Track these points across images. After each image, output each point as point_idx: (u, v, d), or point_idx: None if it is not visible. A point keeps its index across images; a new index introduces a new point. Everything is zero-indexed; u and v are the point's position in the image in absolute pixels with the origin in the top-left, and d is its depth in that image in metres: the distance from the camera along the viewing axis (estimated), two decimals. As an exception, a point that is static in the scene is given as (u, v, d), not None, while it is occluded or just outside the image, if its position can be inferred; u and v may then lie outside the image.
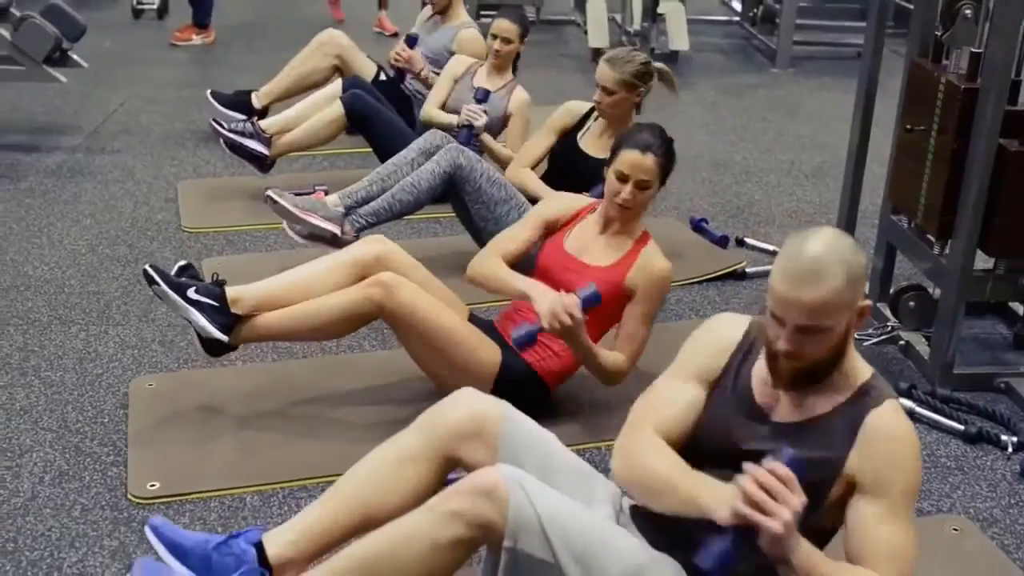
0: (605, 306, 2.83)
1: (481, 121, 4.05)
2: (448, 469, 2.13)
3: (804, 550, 1.76)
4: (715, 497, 1.76)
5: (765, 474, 1.70)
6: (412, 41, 4.66)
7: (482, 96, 4.10)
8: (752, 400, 1.95)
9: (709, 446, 1.95)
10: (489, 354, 2.83)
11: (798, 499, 1.70)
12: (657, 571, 1.92)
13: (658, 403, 2.02)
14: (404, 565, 1.89)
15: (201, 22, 7.06)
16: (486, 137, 4.15)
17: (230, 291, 2.82)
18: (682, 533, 1.91)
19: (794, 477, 1.70)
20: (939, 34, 3.27)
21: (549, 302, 2.67)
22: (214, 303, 2.78)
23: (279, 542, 2.08)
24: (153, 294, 2.83)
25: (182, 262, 2.92)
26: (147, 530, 2.14)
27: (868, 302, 1.85)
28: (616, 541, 1.92)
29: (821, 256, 1.77)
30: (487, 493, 1.86)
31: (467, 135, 4.00)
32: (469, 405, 2.14)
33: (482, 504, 1.86)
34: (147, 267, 2.79)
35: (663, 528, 1.97)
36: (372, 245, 2.96)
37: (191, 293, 2.78)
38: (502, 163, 4.10)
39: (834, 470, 1.85)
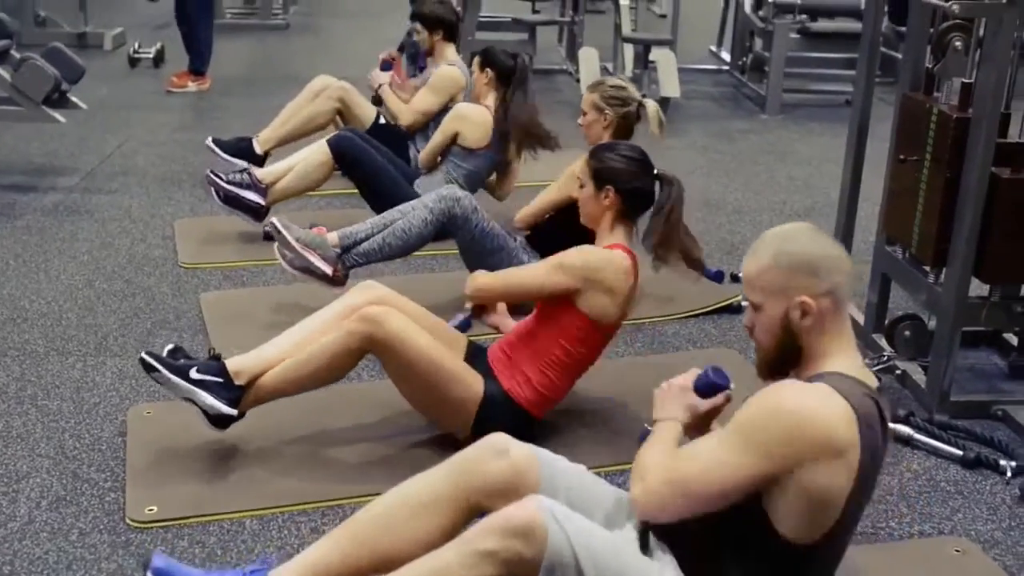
0: (558, 302, 2.88)
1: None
2: (473, 516, 2.06)
3: (665, 424, 2.02)
4: None
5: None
6: (386, 66, 4.85)
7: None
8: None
9: None
10: (473, 386, 2.83)
11: (679, 380, 2.09)
12: None
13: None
14: None
15: (197, 69, 7.12)
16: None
17: (231, 363, 2.78)
18: (706, 540, 1.94)
19: (695, 370, 2.11)
20: (930, 66, 3.33)
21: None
22: (219, 379, 2.75)
23: None
24: (154, 381, 2.78)
25: (170, 345, 2.85)
26: (148, 574, 2.09)
27: (808, 299, 1.87)
28: (648, 570, 1.92)
29: (766, 236, 1.96)
30: (524, 532, 1.82)
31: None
32: (506, 459, 2.07)
33: (518, 544, 1.82)
34: (143, 355, 2.73)
35: (687, 538, 1.98)
36: (364, 293, 2.94)
37: (194, 374, 2.74)
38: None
39: None
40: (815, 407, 1.80)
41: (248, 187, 4.41)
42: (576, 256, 2.88)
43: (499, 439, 2.12)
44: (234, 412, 2.76)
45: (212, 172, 4.45)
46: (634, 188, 2.92)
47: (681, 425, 2.03)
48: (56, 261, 4.22)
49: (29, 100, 4.91)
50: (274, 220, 3.64)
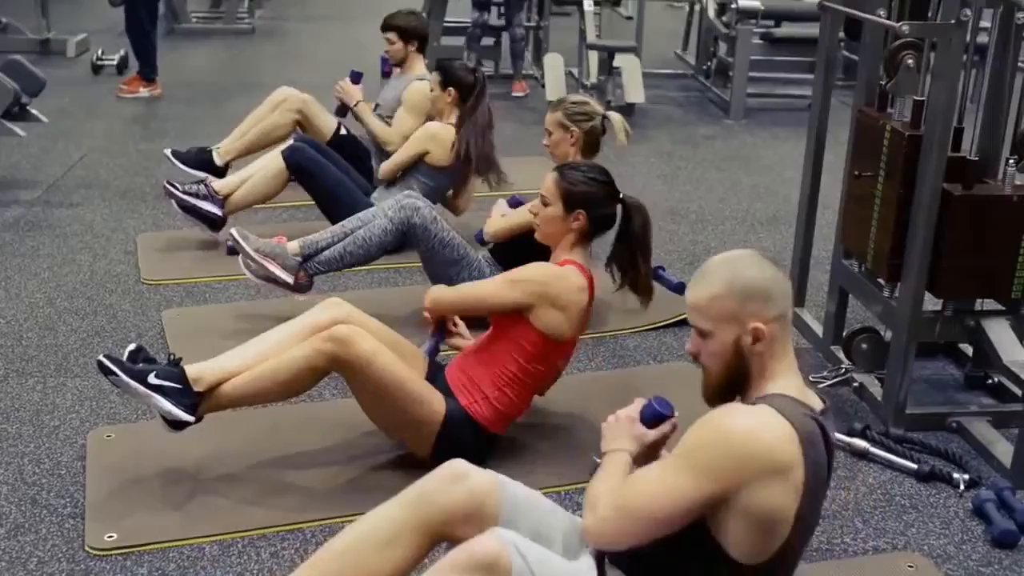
0: (509, 326, 2.91)
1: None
2: (436, 545, 2.08)
3: (615, 456, 2.04)
4: None
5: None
6: (356, 76, 4.78)
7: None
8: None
9: None
10: (436, 406, 2.85)
11: (625, 412, 2.11)
12: None
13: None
14: None
15: (148, 76, 7.11)
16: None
17: (190, 370, 2.78)
18: (657, 564, 1.96)
19: (640, 401, 2.13)
20: (883, 83, 3.37)
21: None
22: (177, 385, 2.74)
23: None
24: (111, 384, 2.78)
25: (132, 346, 2.84)
26: None
27: (760, 325, 1.89)
28: None
29: (712, 264, 1.98)
30: (488, 568, 1.84)
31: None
32: (465, 484, 2.08)
33: None
34: (101, 358, 2.73)
35: (639, 561, 2.00)
36: (330, 310, 2.96)
37: (152, 379, 2.73)
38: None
39: None
40: (757, 428, 1.83)
41: (205, 198, 4.42)
42: (529, 272, 2.91)
43: (458, 465, 2.13)
44: (191, 419, 2.76)
45: (169, 183, 4.47)
46: (604, 214, 2.95)
47: (630, 455, 2.05)
48: (17, 278, 4.20)
49: (-11, 114, 4.88)
50: (233, 232, 3.65)
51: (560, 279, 2.88)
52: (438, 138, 4.38)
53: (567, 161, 3.67)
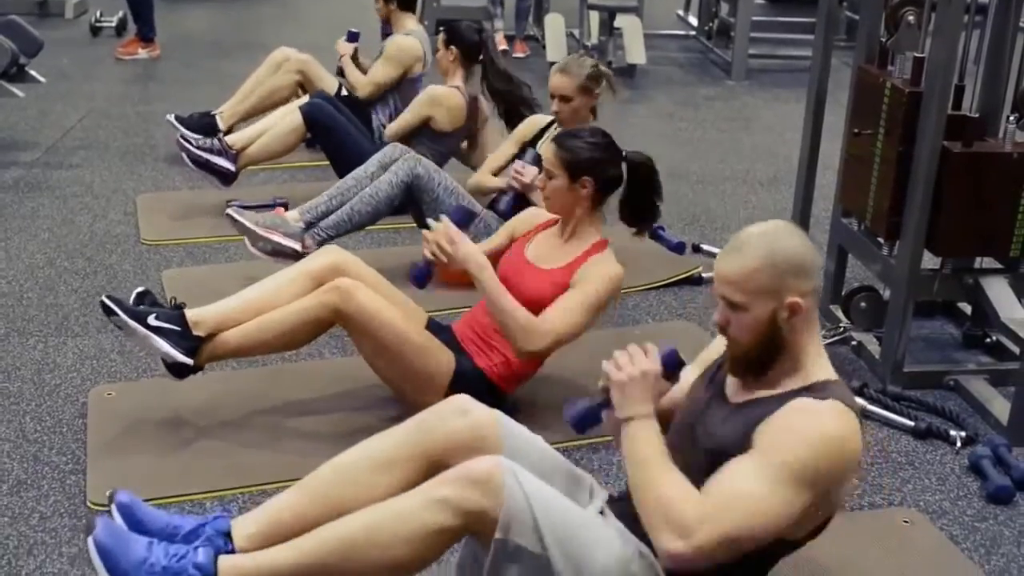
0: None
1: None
2: (433, 474, 2.04)
3: (643, 422, 1.90)
4: None
5: (633, 346, 1.96)
6: (353, 36, 4.81)
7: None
8: (721, 390, 2.03)
9: (678, 423, 2.07)
10: (444, 360, 2.86)
11: (650, 365, 1.93)
12: (642, 563, 1.94)
13: None
14: (383, 545, 1.87)
15: (146, 36, 7.07)
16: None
17: (190, 314, 2.80)
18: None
19: (654, 350, 1.96)
20: (884, 40, 3.35)
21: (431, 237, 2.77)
22: (176, 328, 2.77)
23: (247, 532, 2.04)
24: (112, 324, 2.82)
25: (139, 289, 2.88)
26: (113, 508, 2.07)
27: (798, 299, 1.85)
28: (603, 535, 1.94)
29: (749, 236, 1.90)
30: (482, 483, 1.85)
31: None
32: (468, 417, 2.09)
33: (476, 494, 1.85)
34: (104, 298, 2.76)
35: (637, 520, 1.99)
36: (327, 255, 2.98)
37: (151, 320, 2.76)
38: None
39: (744, 437, 1.85)
40: (847, 433, 1.82)
41: (219, 153, 4.42)
42: (606, 291, 2.84)
43: (462, 399, 2.14)
44: (190, 361, 2.78)
45: (183, 137, 4.45)
46: (610, 176, 2.92)
47: (656, 421, 1.95)
48: (17, 239, 4.20)
49: (-14, 75, 4.86)
50: (230, 211, 3.64)
51: (622, 278, 2.89)
52: (442, 103, 4.36)
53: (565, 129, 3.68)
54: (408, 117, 4.44)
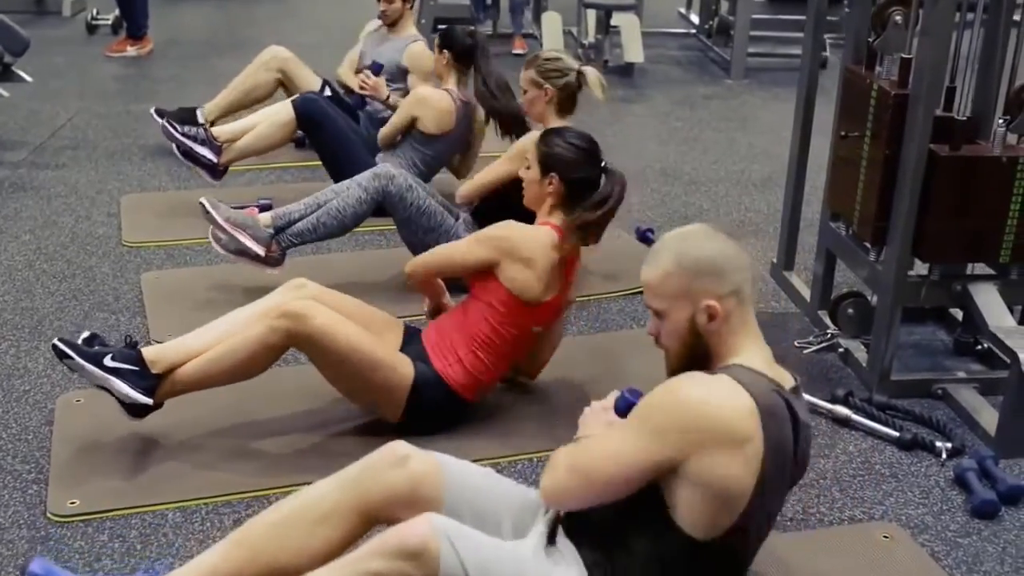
0: (480, 286, 2.88)
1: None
2: (372, 527, 2.02)
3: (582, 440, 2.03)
4: None
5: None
6: (377, 68, 4.62)
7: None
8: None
9: None
10: (402, 373, 2.80)
11: (606, 402, 2.11)
12: None
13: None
14: None
15: (135, 33, 7.03)
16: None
17: (147, 352, 2.73)
18: (608, 533, 1.93)
19: (614, 395, 2.09)
20: (871, 40, 3.27)
21: None
22: (133, 368, 2.69)
23: None
24: (67, 368, 2.73)
25: (86, 333, 2.78)
26: None
27: (713, 302, 1.86)
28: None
29: (663, 240, 1.94)
30: (415, 554, 1.78)
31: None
32: (406, 469, 2.01)
33: (409, 567, 1.78)
34: (56, 341, 2.67)
35: (590, 530, 1.97)
36: (296, 291, 2.89)
37: (107, 361, 2.68)
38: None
39: None
40: (711, 396, 1.81)
41: (203, 143, 4.36)
42: (495, 229, 2.89)
43: (399, 447, 2.06)
44: (149, 401, 2.70)
45: (168, 122, 4.38)
46: (578, 179, 2.88)
47: None
48: (-3, 241, 4.16)
49: (-29, 75, 4.82)
50: (203, 200, 3.58)
51: (526, 235, 2.86)
52: (428, 105, 4.27)
53: (548, 122, 3.62)
54: (396, 119, 4.35)
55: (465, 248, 2.92)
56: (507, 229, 2.87)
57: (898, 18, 3.10)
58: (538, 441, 2.88)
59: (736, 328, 1.89)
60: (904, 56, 3.08)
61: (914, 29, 3.10)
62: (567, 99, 3.63)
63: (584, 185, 2.87)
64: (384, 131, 4.36)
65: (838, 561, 2.48)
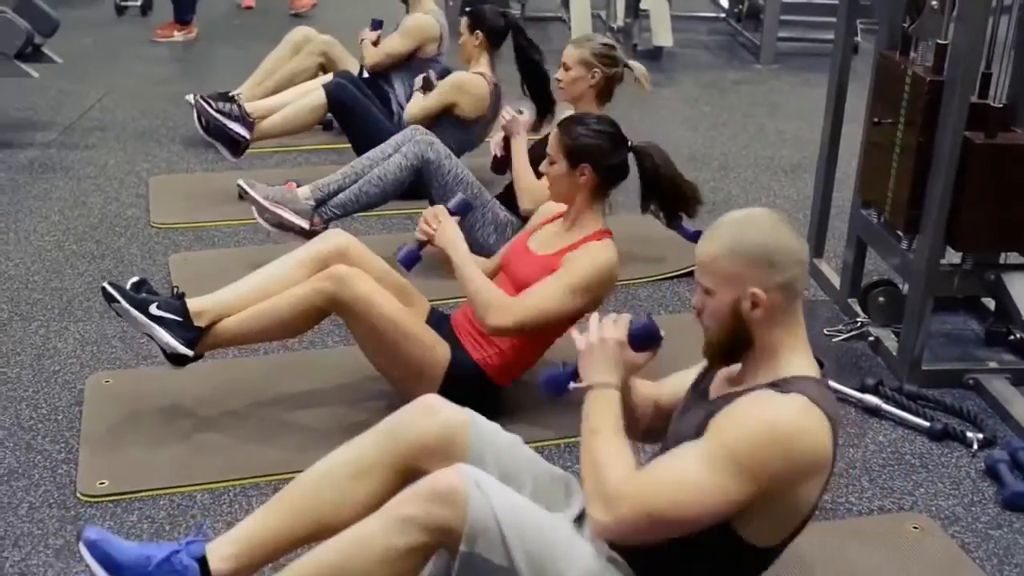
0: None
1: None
2: (408, 479, 2.01)
3: (602, 391, 1.89)
4: None
5: (606, 317, 1.96)
6: (377, 24, 4.70)
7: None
8: (706, 391, 1.97)
9: (668, 432, 2.01)
10: (439, 353, 2.80)
11: (614, 333, 1.92)
12: (615, 574, 1.88)
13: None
14: (358, 572, 1.83)
15: (183, 18, 7.02)
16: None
17: (192, 303, 2.76)
18: (661, 551, 1.87)
19: (624, 320, 1.95)
20: (906, 26, 3.23)
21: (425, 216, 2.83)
22: (177, 318, 2.73)
23: (223, 554, 2.00)
24: (113, 311, 2.78)
25: (135, 278, 2.83)
26: (81, 547, 2.02)
27: (758, 291, 1.79)
28: (574, 546, 1.88)
29: (724, 220, 1.87)
30: (444, 498, 1.81)
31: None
32: (437, 419, 2.04)
33: (439, 509, 1.80)
34: (105, 284, 2.72)
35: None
36: (330, 240, 2.94)
37: (153, 309, 2.71)
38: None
39: (700, 431, 1.79)
40: (804, 427, 1.72)
41: (237, 119, 4.35)
42: (595, 274, 2.76)
43: (431, 400, 2.10)
44: (190, 353, 2.74)
45: (201, 97, 4.36)
46: (611, 165, 2.82)
47: (619, 393, 1.91)
48: (27, 221, 4.18)
49: (1, 55, 4.83)
50: (240, 182, 3.60)
51: (611, 266, 2.79)
52: (468, 91, 4.26)
53: (583, 107, 3.60)
54: (431, 101, 4.31)
55: (561, 302, 2.73)
56: (603, 271, 2.77)
57: (934, 3, 3.05)
58: (567, 427, 2.86)
59: (781, 321, 1.83)
60: (940, 42, 3.03)
61: (950, 15, 3.06)
62: (609, 89, 3.62)
63: (616, 170, 2.83)
64: (414, 111, 4.30)
65: (868, 551, 2.46)
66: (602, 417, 1.87)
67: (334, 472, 2.05)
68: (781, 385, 1.79)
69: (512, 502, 1.85)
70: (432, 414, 2.06)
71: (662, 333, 1.97)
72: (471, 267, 2.76)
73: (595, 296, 2.79)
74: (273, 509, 2.06)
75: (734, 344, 1.87)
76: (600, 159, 2.79)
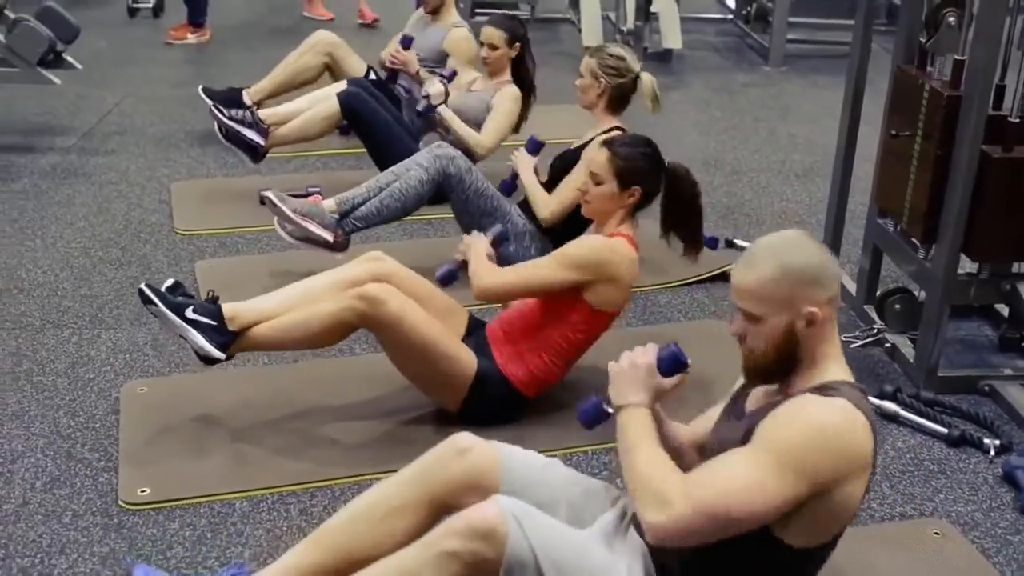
0: (561, 304, 2.92)
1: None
2: (441, 516, 2.09)
3: (634, 411, 1.95)
4: None
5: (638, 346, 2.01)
6: (407, 42, 4.70)
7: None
8: (742, 405, 2.03)
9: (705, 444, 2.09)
10: (465, 364, 2.87)
11: (644, 357, 1.99)
12: None
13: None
14: None
15: (196, 21, 7.06)
16: (447, 115, 4.20)
17: (227, 308, 2.83)
18: (702, 555, 1.94)
19: (653, 347, 2.01)
20: (923, 40, 3.29)
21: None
22: (212, 322, 2.80)
23: None
24: (149, 313, 2.85)
25: (170, 280, 2.91)
26: None
27: (815, 309, 1.85)
28: (608, 568, 1.94)
29: (763, 246, 1.91)
30: (483, 534, 1.86)
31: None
32: (467, 458, 2.10)
33: (477, 545, 1.86)
34: (143, 287, 2.79)
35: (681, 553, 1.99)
36: (369, 264, 2.99)
37: (189, 313, 2.79)
38: (464, 143, 4.15)
39: (746, 437, 1.86)
40: (849, 428, 1.81)
41: (250, 125, 4.41)
42: (586, 251, 2.89)
43: (460, 440, 2.15)
44: (223, 356, 2.82)
45: (215, 106, 4.43)
46: (656, 187, 2.95)
47: (650, 412, 1.98)
48: (52, 227, 4.24)
49: (23, 62, 4.88)
50: (268, 194, 3.65)
51: (616, 254, 2.88)
52: (520, 101, 4.34)
53: (599, 116, 3.66)
54: (505, 123, 4.30)
55: (549, 272, 2.89)
56: (595, 251, 2.88)
57: (952, 19, 3.11)
58: (593, 434, 2.92)
59: (826, 334, 1.91)
60: (957, 57, 3.09)
61: (967, 32, 3.12)
62: (620, 98, 3.67)
63: (657, 192, 2.94)
64: (493, 139, 4.26)
65: (890, 556, 2.53)
66: (638, 433, 1.94)
67: (368, 510, 2.12)
68: (823, 389, 1.86)
69: (548, 533, 1.91)
70: (463, 454, 2.12)
71: (689, 360, 2.04)
72: (487, 266, 2.97)
73: (589, 271, 2.85)
74: (310, 546, 2.13)
75: (784, 362, 1.91)
76: (650, 181, 2.91)
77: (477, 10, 7.41)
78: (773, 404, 1.90)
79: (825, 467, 1.79)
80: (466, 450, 2.12)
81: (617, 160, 2.88)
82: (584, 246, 2.91)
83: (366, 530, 2.08)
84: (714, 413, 2.15)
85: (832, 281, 1.90)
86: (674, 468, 1.86)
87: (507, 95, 4.30)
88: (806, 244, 1.91)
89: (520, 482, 2.09)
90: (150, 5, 7.65)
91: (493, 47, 4.27)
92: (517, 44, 4.28)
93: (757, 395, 2.01)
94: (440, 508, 2.09)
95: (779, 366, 1.92)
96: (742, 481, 1.78)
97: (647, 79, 3.66)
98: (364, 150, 4.57)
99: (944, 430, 3.02)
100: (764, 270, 1.87)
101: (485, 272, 2.95)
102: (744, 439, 1.86)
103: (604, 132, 3.57)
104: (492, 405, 2.93)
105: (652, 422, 1.97)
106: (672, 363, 2.01)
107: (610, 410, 2.03)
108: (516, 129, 4.36)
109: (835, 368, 1.92)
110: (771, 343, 1.89)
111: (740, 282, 1.90)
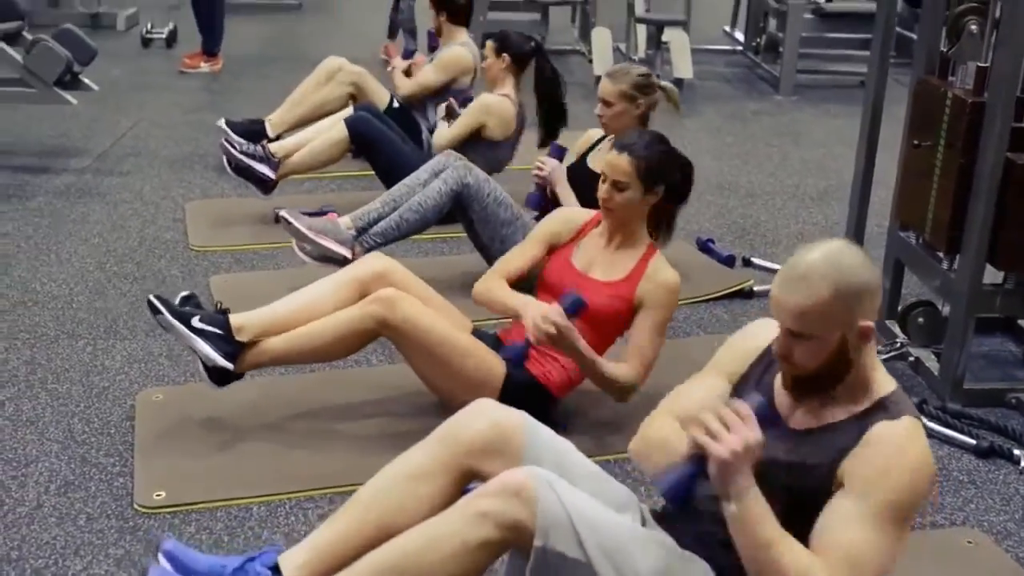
0: (614, 320, 2.85)
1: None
2: (466, 482, 2.07)
3: (752, 498, 1.76)
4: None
5: (725, 409, 1.76)
6: (408, 53, 4.73)
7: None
8: (778, 415, 1.93)
9: None
10: (493, 366, 2.83)
11: (753, 433, 1.74)
12: (686, 570, 1.91)
13: (682, 393, 2.10)
14: (431, 569, 1.86)
15: (210, 50, 7.10)
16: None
17: (234, 319, 2.81)
18: (705, 533, 1.91)
19: (752, 416, 1.76)
20: (945, 50, 3.28)
21: (531, 315, 2.67)
22: (219, 331, 2.77)
23: (295, 563, 2.02)
24: (157, 323, 2.83)
25: (184, 292, 2.91)
26: (160, 557, 2.06)
27: (869, 323, 1.80)
28: (646, 540, 1.91)
29: (813, 265, 1.79)
30: (516, 493, 1.84)
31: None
32: (490, 419, 2.08)
33: (512, 505, 1.84)
34: (151, 297, 2.78)
35: (685, 528, 1.97)
36: (372, 262, 2.97)
37: (195, 322, 2.77)
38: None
39: (829, 473, 1.81)
40: (927, 449, 1.81)
41: (261, 160, 4.41)
42: (676, 300, 2.93)
43: (485, 402, 2.13)
44: (230, 365, 2.78)
45: (227, 140, 4.43)
46: (675, 182, 2.93)
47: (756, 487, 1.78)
48: (67, 243, 4.22)
49: (41, 82, 4.91)
50: (284, 213, 3.62)
51: (679, 285, 2.92)
52: (493, 111, 4.34)
53: (622, 136, 3.65)
54: (458, 128, 4.40)
55: (660, 342, 2.90)
56: (676, 293, 2.90)
57: (974, 27, 3.11)
58: (612, 445, 2.90)
59: (873, 344, 1.87)
60: (980, 65, 3.08)
61: (990, 38, 3.11)
62: (648, 116, 3.67)
63: (677, 188, 2.93)
64: (441, 141, 4.37)
65: (925, 565, 2.46)
66: (769, 526, 1.78)
67: (397, 479, 2.08)
68: (886, 408, 1.83)
69: (581, 498, 1.88)
70: (485, 415, 2.09)
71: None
72: (599, 360, 2.80)
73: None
74: (342, 519, 2.09)
75: (835, 376, 1.85)
76: (671, 176, 2.89)
77: (489, 37, 7.44)
78: (837, 429, 1.84)
79: (926, 494, 1.81)
80: (489, 412, 2.09)
81: (637, 160, 2.82)
82: (670, 295, 2.90)
83: (392, 496, 2.04)
84: (705, 392, 2.03)
85: (879, 290, 1.86)
86: (814, 559, 1.75)
87: (477, 102, 4.38)
88: (855, 256, 1.82)
89: (546, 449, 2.05)
90: (164, 35, 7.72)
91: (484, 57, 4.39)
92: (505, 55, 4.29)
93: (797, 406, 1.92)
94: (464, 473, 2.05)
95: (830, 381, 1.86)
96: (883, 552, 1.77)
97: (671, 87, 3.70)
98: (376, 172, 4.58)
99: (973, 441, 2.98)
100: (821, 290, 1.77)
101: (623, 382, 2.86)
102: (828, 479, 1.81)
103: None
104: (522, 406, 2.88)
105: (765, 502, 1.78)
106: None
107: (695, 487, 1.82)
108: (543, 143, 4.32)
109: (881, 378, 1.88)
110: (820, 359, 1.82)
111: (794, 304, 1.79)
